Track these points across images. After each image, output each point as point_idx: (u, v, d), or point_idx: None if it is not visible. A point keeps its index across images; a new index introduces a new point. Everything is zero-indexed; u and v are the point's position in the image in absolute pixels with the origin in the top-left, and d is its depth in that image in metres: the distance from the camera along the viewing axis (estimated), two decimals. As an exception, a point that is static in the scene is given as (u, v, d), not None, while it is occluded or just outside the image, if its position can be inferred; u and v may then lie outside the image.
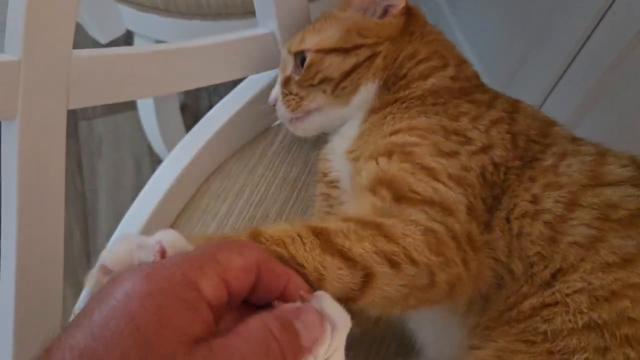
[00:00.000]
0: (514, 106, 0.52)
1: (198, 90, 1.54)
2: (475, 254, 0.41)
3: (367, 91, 0.55)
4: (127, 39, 1.03)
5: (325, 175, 0.57)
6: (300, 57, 0.56)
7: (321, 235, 0.36)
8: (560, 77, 1.01)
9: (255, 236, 0.35)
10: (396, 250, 0.37)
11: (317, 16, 0.74)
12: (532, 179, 0.46)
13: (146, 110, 1.12)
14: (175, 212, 0.63)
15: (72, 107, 0.47)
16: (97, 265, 0.30)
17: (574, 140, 0.51)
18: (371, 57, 0.54)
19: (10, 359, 0.45)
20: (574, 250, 0.42)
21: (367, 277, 0.35)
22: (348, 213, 0.43)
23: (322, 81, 0.54)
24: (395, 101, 0.53)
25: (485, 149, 0.47)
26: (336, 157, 0.55)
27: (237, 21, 0.80)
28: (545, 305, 0.41)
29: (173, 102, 1.17)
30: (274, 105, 0.59)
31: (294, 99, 0.56)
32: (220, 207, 0.62)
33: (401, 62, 0.55)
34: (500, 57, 1.23)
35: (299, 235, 0.35)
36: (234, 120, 0.63)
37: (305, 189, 0.63)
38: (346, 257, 0.35)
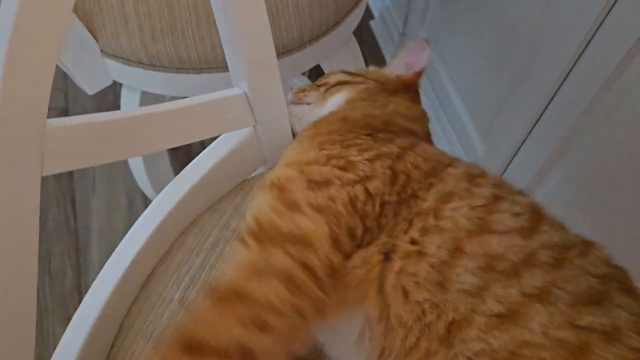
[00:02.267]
0: (412, 145, 0.55)
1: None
2: (335, 282, 0.45)
3: (338, 98, 0.68)
4: (114, 86, 1.06)
5: None
6: None
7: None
8: (537, 121, 1.04)
9: None
10: (259, 313, 0.40)
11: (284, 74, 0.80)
12: (409, 221, 0.47)
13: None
14: (151, 266, 0.65)
15: (46, 174, 0.49)
16: None
17: (471, 179, 0.51)
18: (360, 83, 0.70)
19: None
20: (463, 298, 0.42)
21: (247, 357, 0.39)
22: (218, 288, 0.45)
23: (323, 84, 0.72)
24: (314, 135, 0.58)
25: (362, 180, 0.49)
26: None
27: (217, 74, 0.83)
28: None
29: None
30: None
31: (303, 91, 0.74)
32: (194, 261, 0.64)
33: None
34: (483, 103, 1.26)
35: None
36: (207, 177, 0.66)
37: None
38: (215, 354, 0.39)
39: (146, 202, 1.47)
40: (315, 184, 0.48)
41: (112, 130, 0.55)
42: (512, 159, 1.17)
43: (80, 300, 1.40)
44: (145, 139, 0.59)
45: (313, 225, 0.45)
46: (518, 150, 1.14)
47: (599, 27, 0.82)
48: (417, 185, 0.50)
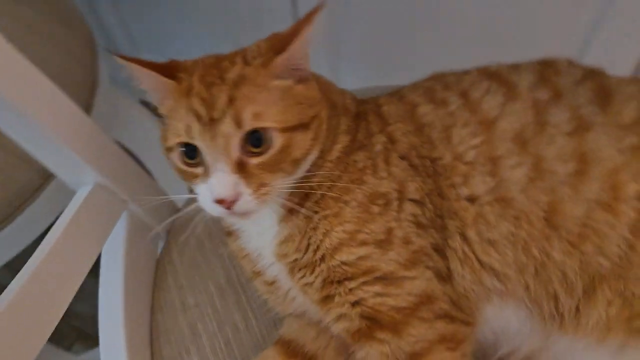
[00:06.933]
0: (381, 117, 0.51)
1: None
2: (459, 312, 0.46)
3: (306, 164, 0.47)
4: None
5: (258, 273, 0.52)
6: (252, 135, 0.42)
7: None
8: None
9: None
10: None
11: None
12: (452, 186, 0.47)
13: None
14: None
15: None
16: None
17: (435, 98, 0.50)
18: (320, 126, 0.47)
19: None
20: (532, 191, 0.45)
21: None
22: None
23: (291, 163, 0.44)
24: (309, 195, 0.47)
25: (401, 196, 0.47)
26: (266, 255, 0.50)
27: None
28: None
29: None
30: (232, 201, 0.42)
31: (267, 190, 0.43)
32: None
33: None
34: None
35: None
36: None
37: (246, 282, 0.60)
38: None
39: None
40: (386, 242, 0.45)
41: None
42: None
43: None
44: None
45: (419, 280, 0.44)
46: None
47: None
48: (425, 150, 0.48)
